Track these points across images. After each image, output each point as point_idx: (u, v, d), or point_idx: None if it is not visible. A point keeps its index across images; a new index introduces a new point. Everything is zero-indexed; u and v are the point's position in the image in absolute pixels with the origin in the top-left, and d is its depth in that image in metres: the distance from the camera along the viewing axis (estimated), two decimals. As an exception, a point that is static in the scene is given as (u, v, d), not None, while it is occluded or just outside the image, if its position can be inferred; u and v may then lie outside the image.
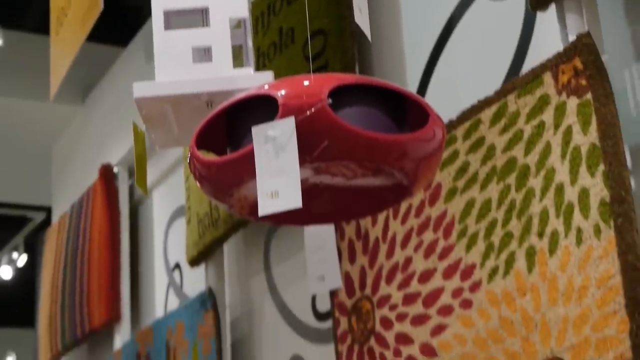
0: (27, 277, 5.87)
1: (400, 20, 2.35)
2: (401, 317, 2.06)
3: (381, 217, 2.16)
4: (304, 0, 2.47)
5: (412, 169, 1.26)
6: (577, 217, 1.67)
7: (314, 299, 2.60)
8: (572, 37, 1.74)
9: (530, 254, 1.76)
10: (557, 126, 1.74)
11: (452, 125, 1.98)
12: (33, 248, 5.32)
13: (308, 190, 1.29)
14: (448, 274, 1.95)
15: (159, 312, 3.64)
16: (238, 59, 1.42)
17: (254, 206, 1.23)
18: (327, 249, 2.21)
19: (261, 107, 1.20)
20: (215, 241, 2.92)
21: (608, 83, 1.66)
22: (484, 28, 2.08)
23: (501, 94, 1.88)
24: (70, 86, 4.12)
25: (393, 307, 2.09)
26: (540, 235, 1.74)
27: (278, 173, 1.16)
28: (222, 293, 3.00)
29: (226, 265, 3.03)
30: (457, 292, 1.92)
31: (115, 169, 4.06)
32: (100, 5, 2.50)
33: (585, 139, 1.67)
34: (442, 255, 1.97)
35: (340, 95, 1.18)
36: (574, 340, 1.64)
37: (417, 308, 2.02)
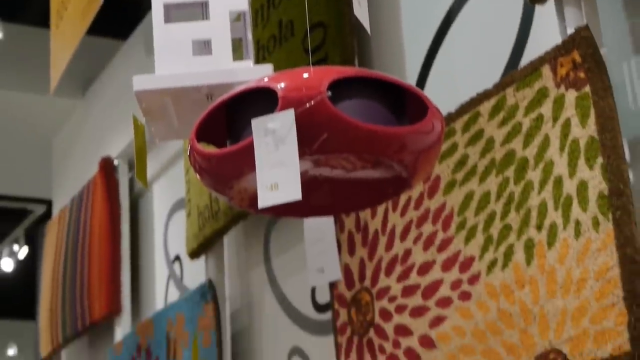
0: (28, 270, 5.88)
1: (399, 13, 2.35)
2: (400, 309, 2.07)
3: (380, 210, 2.17)
4: (303, -7, 2.48)
5: (411, 162, 1.26)
6: (575, 210, 1.67)
7: (313, 290, 2.60)
8: (570, 30, 1.74)
9: (529, 247, 1.76)
10: (555, 119, 1.74)
11: (451, 118, 1.98)
12: (34, 240, 5.33)
13: (307, 183, 1.30)
14: (447, 266, 1.95)
15: (159, 304, 3.65)
16: (238, 51, 1.42)
17: (253, 198, 1.23)
18: (326, 241, 2.22)
19: (261, 100, 1.20)
20: (215, 233, 2.93)
21: (606, 76, 1.66)
22: (483, 21, 2.09)
23: (500, 87, 1.88)
24: (71, 79, 4.12)
25: (392, 299, 2.10)
26: (539, 227, 1.75)
27: (278, 165, 1.16)
28: (222, 285, 3.01)
29: (226, 258, 3.04)
30: (455, 284, 1.92)
31: (116, 162, 4.07)
32: (100, -1, 2.51)
33: (584, 132, 1.67)
34: (441, 248, 1.98)
35: (340, 88, 1.18)
36: (572, 332, 1.65)
37: (416, 300, 2.03)
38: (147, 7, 2.05)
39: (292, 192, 1.16)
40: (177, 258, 3.55)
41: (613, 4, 1.76)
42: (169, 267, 3.62)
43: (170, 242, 3.64)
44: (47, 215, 5.39)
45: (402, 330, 2.06)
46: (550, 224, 1.72)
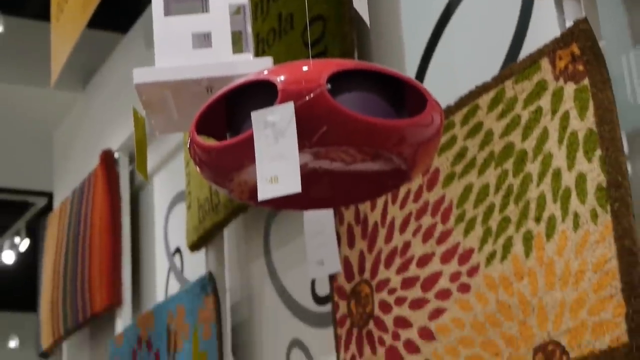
0: (29, 262, 5.89)
1: (398, 6, 2.36)
2: (400, 301, 2.08)
3: (380, 202, 2.17)
4: (303, -14, 2.48)
5: (411, 154, 1.26)
6: (574, 202, 1.68)
7: (313, 283, 2.61)
8: (569, 23, 1.75)
9: (528, 239, 1.77)
10: (554, 112, 1.75)
11: (450, 110, 1.99)
12: (35, 233, 5.34)
13: (307, 175, 1.30)
14: (446, 258, 1.96)
15: (159, 297, 3.65)
16: (237, 44, 1.43)
17: (253, 191, 1.23)
18: (326, 234, 2.22)
19: (260, 93, 1.20)
20: (216, 226, 2.94)
21: (605, 69, 1.67)
22: (482, 14, 2.09)
23: (499, 79, 1.89)
24: (71, 72, 4.12)
25: (392, 291, 2.10)
26: (538, 220, 1.75)
27: (277, 158, 1.17)
28: (222, 277, 3.02)
29: (226, 250, 3.04)
30: (455, 276, 1.93)
31: (116, 155, 4.07)
32: (100, -8, 2.51)
33: (583, 124, 1.68)
34: (440, 240, 1.98)
35: (339, 81, 1.18)
36: (570, 324, 1.65)
37: (415, 292, 2.03)
38: (147, 0, 2.05)
39: (292, 184, 1.16)
40: (178, 250, 3.55)
41: (612, -3, 1.76)
42: (170, 260, 3.63)
43: (170, 234, 3.65)
44: (48, 207, 5.40)
45: (402, 322, 2.06)
46: (548, 216, 1.73)
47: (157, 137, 3.51)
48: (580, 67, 1.69)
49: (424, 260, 2.02)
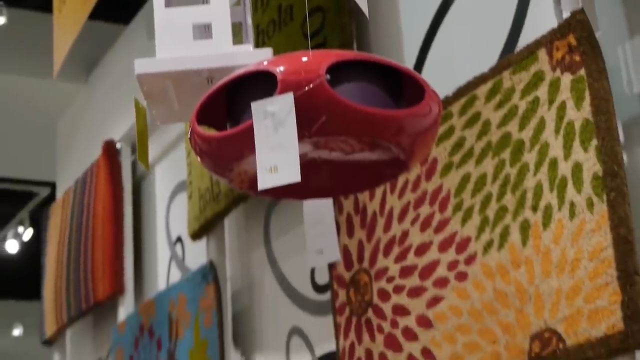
0: (32, 251, 5.91)
1: (398, -3, 2.36)
2: (398, 289, 2.09)
3: (379, 192, 2.18)
4: (303, -23, 2.48)
5: (409, 144, 1.27)
6: (570, 191, 1.69)
7: (312, 271, 2.62)
8: (566, 14, 1.75)
9: (525, 228, 1.78)
10: (551, 102, 1.76)
11: (448, 101, 2.00)
12: (38, 222, 5.36)
13: (307, 165, 1.31)
14: (444, 247, 1.97)
15: (161, 285, 3.67)
16: (238, 36, 1.44)
17: (253, 180, 1.24)
18: (325, 223, 2.23)
19: (260, 83, 1.21)
20: (216, 215, 2.95)
21: (601, 59, 1.67)
22: (480, 5, 2.09)
23: (496, 70, 1.89)
24: (74, 64, 4.13)
25: (390, 280, 2.12)
26: (534, 209, 1.76)
27: (277, 148, 1.17)
28: (223, 266, 3.03)
29: (227, 239, 3.06)
30: (452, 265, 1.94)
31: (118, 145, 4.08)
32: (102, -17, 2.51)
33: (579, 114, 1.69)
34: (438, 229, 2.00)
35: (339, 72, 1.19)
36: (566, 311, 1.66)
37: (413, 280, 2.05)
38: (148, -9, 2.06)
39: (292, 174, 1.17)
40: (179, 239, 3.57)
41: (608, -12, 1.77)
42: (171, 249, 3.64)
43: (172, 223, 3.66)
44: (52, 197, 5.42)
45: (400, 310, 2.08)
46: (545, 205, 1.74)
47: (159, 127, 3.53)
48: (577, 58, 1.70)
49: (422, 249, 2.03)
